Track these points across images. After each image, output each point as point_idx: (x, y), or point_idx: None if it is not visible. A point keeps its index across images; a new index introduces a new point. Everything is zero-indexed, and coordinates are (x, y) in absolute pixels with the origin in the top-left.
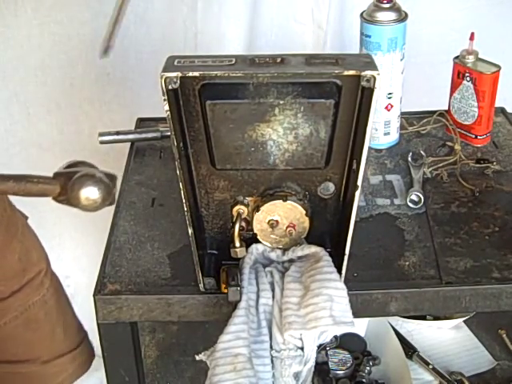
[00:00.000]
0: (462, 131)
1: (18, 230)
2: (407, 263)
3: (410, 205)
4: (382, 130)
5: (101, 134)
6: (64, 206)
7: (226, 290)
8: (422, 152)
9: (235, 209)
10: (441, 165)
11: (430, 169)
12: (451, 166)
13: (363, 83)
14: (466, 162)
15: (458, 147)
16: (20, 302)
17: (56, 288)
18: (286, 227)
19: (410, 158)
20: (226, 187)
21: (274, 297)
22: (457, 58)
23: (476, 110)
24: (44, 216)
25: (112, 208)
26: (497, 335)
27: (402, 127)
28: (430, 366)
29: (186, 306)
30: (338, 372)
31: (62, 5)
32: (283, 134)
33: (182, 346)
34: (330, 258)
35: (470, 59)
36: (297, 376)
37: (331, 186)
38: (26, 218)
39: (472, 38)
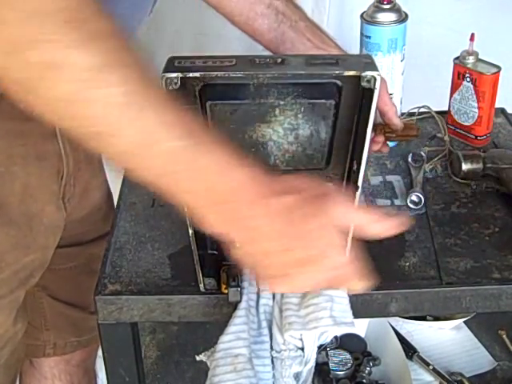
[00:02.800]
0: (462, 132)
1: (105, 192)
2: (407, 264)
3: (411, 205)
4: None
5: None
6: None
7: (226, 291)
8: (422, 153)
9: None
10: (436, 159)
11: (427, 164)
12: (445, 158)
13: (364, 84)
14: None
15: (446, 138)
16: (91, 251)
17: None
18: None
19: (410, 159)
20: None
21: (274, 297)
22: (457, 58)
23: (476, 110)
24: None
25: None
26: (497, 336)
27: None
28: (431, 367)
29: (186, 307)
30: (339, 372)
31: None
32: (283, 134)
33: (183, 347)
34: None
35: (471, 60)
36: (297, 376)
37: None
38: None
39: (472, 38)
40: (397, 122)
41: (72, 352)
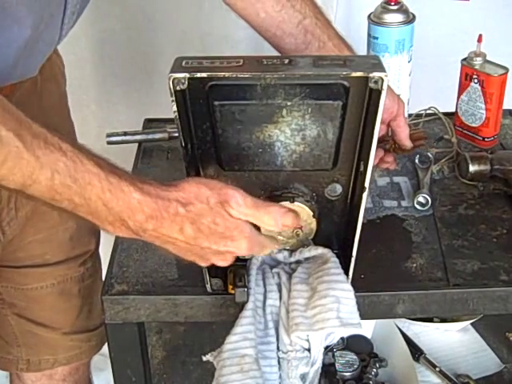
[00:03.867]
0: (470, 133)
1: None
2: (414, 265)
3: (418, 207)
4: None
5: (108, 135)
6: None
7: (233, 291)
8: (429, 154)
9: None
10: (443, 160)
11: (434, 165)
12: (452, 160)
13: (371, 85)
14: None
15: (454, 140)
16: (60, 272)
17: (96, 270)
18: (293, 228)
19: (418, 160)
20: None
21: (281, 298)
22: (464, 59)
23: (483, 112)
24: None
25: None
26: (504, 338)
27: None
28: (437, 369)
29: (193, 307)
30: (345, 374)
31: None
32: (291, 135)
33: (189, 347)
34: (337, 260)
35: (478, 61)
36: (303, 377)
37: (338, 188)
38: None
39: (480, 40)
40: (408, 144)
41: (49, 369)
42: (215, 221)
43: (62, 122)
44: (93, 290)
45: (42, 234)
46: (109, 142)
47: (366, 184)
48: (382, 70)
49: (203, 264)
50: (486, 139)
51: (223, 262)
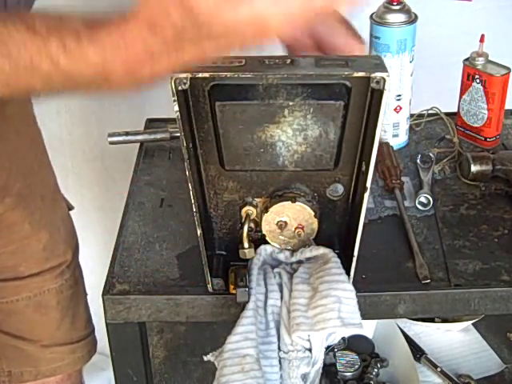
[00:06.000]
0: (472, 133)
1: (52, 223)
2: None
3: (419, 207)
4: (390, 132)
5: (110, 135)
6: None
7: (234, 291)
8: (430, 154)
9: (244, 210)
10: (445, 160)
11: (436, 166)
12: (454, 160)
13: (373, 85)
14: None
15: (455, 140)
16: (36, 285)
17: (76, 281)
18: (295, 228)
19: (419, 160)
20: (235, 188)
21: (282, 298)
22: (467, 59)
23: (485, 112)
24: None
25: (121, 208)
26: (505, 338)
27: None
28: (438, 369)
29: (194, 307)
30: (346, 374)
31: (71, 6)
32: (292, 135)
33: (190, 347)
34: (338, 260)
35: (480, 61)
36: (304, 377)
37: (340, 188)
38: (71, 208)
39: (482, 40)
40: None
41: (33, 380)
42: None
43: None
44: (74, 302)
45: (14, 245)
46: (110, 142)
47: (368, 184)
48: (384, 70)
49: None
50: (487, 139)
51: None
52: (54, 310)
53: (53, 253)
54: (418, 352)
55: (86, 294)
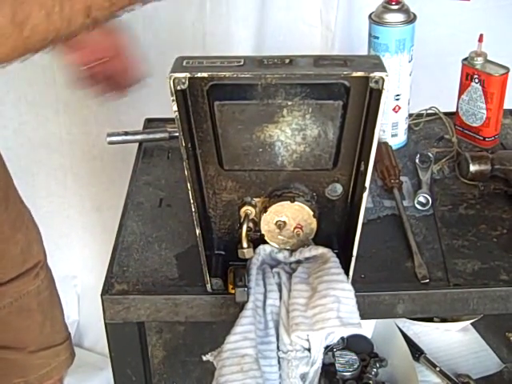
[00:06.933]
0: (470, 133)
1: (24, 224)
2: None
3: (418, 207)
4: (389, 131)
5: (109, 135)
6: (71, 206)
7: (233, 291)
8: (429, 154)
9: (243, 210)
10: (443, 160)
11: (435, 165)
12: (452, 159)
13: (372, 84)
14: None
15: (454, 139)
16: (16, 289)
17: (49, 281)
18: (294, 228)
19: (418, 160)
20: (234, 188)
21: (281, 298)
22: (465, 59)
23: (484, 111)
24: (52, 216)
25: (120, 208)
26: (504, 338)
27: None
28: (437, 369)
29: (193, 307)
30: (345, 373)
31: None
32: (291, 135)
33: (189, 347)
34: (337, 260)
35: (479, 61)
36: (303, 377)
37: (339, 188)
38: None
39: (481, 39)
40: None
41: None
42: None
43: None
44: (51, 303)
45: None
46: (109, 142)
47: (367, 184)
48: (383, 69)
49: None
50: (486, 139)
51: None
52: (35, 312)
53: (29, 254)
54: (416, 352)
55: (59, 296)
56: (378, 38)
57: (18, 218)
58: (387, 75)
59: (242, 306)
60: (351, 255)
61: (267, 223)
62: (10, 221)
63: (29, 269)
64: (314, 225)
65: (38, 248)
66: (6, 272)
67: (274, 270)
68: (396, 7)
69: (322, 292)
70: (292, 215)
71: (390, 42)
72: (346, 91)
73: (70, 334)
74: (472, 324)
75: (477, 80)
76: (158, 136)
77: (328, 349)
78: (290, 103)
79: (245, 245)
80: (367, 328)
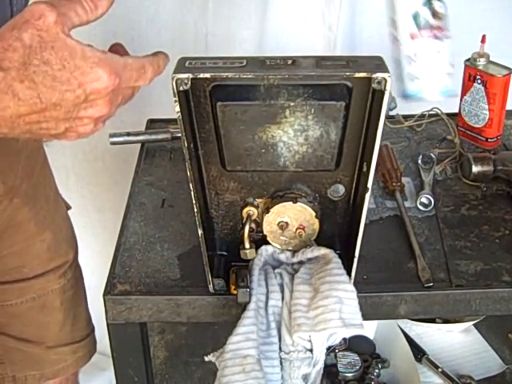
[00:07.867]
0: (473, 134)
1: (54, 222)
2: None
3: (420, 207)
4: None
5: (111, 135)
6: (73, 207)
7: (235, 292)
8: (432, 155)
9: (245, 210)
10: (446, 161)
11: (437, 166)
12: (455, 160)
13: (374, 85)
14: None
15: (457, 140)
16: (40, 286)
17: (77, 280)
18: (296, 229)
19: (420, 161)
20: (236, 189)
21: (283, 298)
22: (468, 60)
23: (487, 112)
24: None
25: (122, 209)
26: (507, 339)
27: (397, 122)
28: (440, 370)
29: (195, 307)
30: (347, 374)
31: None
32: (293, 135)
33: (191, 347)
34: (339, 260)
35: (481, 62)
36: (306, 378)
37: (341, 188)
38: (69, 207)
39: (483, 40)
40: None
41: None
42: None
43: None
44: (75, 302)
45: (19, 245)
46: (112, 143)
47: (369, 185)
48: (385, 70)
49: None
50: (489, 140)
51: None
52: (57, 310)
53: (56, 253)
54: (419, 353)
55: (85, 294)
56: None
57: (47, 216)
58: (390, 76)
59: (244, 307)
60: (353, 256)
61: (269, 224)
62: (37, 219)
63: (56, 267)
64: (317, 225)
65: (68, 247)
66: (31, 267)
67: (276, 270)
68: None
69: (324, 293)
70: (294, 216)
71: None
72: (348, 92)
73: (92, 328)
74: (474, 325)
75: (479, 81)
76: (160, 137)
77: (330, 349)
78: (292, 104)
79: (247, 245)
80: (369, 329)
